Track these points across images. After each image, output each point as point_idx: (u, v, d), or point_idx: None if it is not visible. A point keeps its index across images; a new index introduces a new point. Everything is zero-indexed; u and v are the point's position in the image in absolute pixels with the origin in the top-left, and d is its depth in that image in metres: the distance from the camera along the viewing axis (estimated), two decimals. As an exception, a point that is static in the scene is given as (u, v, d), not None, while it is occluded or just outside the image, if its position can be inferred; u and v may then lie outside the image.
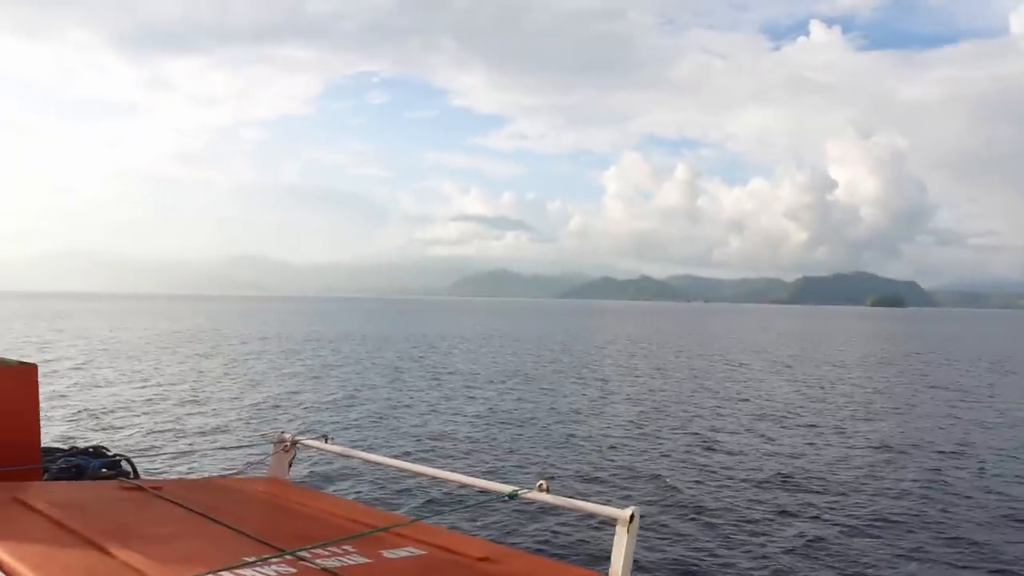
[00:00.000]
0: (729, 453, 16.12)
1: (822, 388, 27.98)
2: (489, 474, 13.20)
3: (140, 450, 14.14)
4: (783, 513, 11.52)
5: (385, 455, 5.03)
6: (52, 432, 15.09)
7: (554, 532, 10.21)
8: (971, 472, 14.50)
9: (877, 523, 11.07)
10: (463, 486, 3.95)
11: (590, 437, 17.76)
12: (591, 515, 3.33)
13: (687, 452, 16.13)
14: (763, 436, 18.10)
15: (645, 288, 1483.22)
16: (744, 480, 13.76)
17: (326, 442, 4.44)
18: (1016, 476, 14.15)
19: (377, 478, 12.67)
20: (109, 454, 6.43)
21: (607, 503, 3.23)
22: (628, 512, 2.94)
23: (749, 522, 11.12)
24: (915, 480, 13.72)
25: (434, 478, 4.11)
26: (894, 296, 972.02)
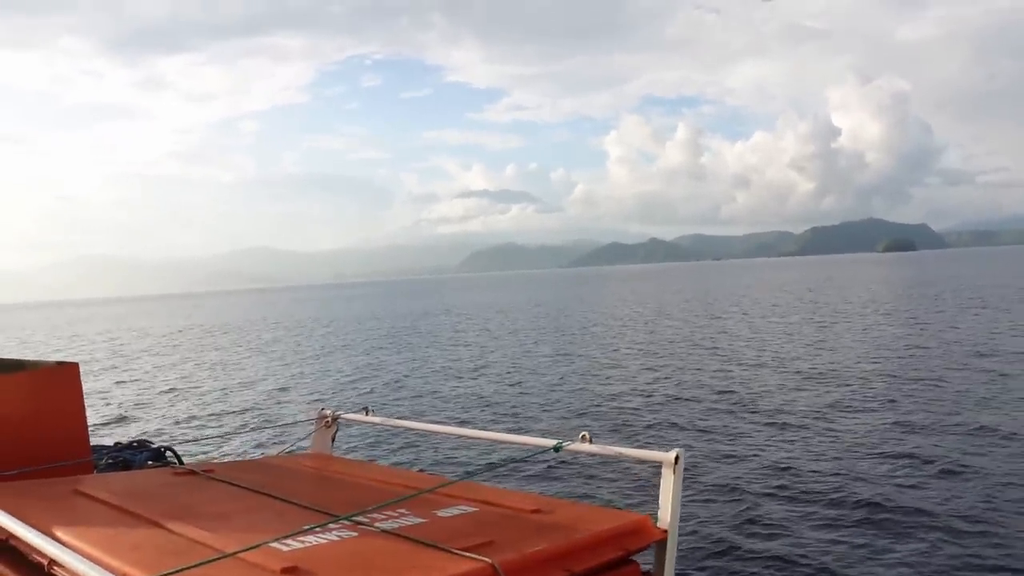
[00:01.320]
0: (722, 392, 17.06)
1: (816, 336, 28.04)
2: (527, 432, 13.40)
3: (182, 441, 14.38)
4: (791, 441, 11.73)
5: (425, 422, 5.11)
6: (92, 431, 15.33)
7: (601, 481, 10.35)
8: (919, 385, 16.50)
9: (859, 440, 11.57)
10: (507, 444, 4.00)
11: (614, 392, 18.00)
12: (636, 460, 3.40)
13: (693, 400, 16.56)
14: (768, 380, 18.25)
15: (654, 251, 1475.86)
16: (759, 417, 14.16)
17: (367, 414, 4.52)
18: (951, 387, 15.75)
19: (420, 445, 12.88)
20: (153, 446, 6.58)
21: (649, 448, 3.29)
22: (673, 454, 3.01)
23: (777, 454, 11.40)
24: (878, 399, 15.47)
25: (477, 439, 4.17)
26: (905, 240, 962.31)
